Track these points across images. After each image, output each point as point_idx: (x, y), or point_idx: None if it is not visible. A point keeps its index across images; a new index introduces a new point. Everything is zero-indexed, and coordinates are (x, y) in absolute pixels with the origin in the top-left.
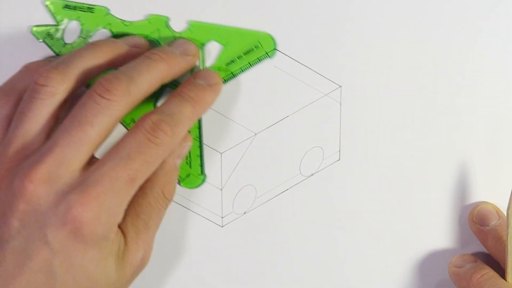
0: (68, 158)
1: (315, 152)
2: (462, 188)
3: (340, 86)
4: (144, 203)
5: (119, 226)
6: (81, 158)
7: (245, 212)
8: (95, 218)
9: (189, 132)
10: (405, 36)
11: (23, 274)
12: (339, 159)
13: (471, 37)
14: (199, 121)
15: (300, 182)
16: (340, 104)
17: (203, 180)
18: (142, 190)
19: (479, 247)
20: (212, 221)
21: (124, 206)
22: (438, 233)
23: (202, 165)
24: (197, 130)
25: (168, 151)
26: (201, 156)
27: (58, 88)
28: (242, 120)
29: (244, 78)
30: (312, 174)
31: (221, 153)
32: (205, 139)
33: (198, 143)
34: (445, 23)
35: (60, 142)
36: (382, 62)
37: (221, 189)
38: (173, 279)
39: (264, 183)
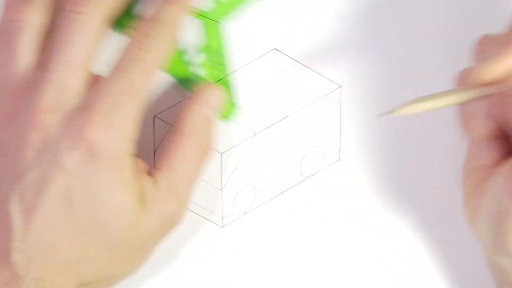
0: (65, 81)
1: (315, 152)
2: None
3: (340, 86)
4: (178, 157)
5: (153, 174)
6: (78, 77)
7: (245, 213)
8: (104, 135)
9: (218, 81)
10: (405, 36)
11: (42, 204)
12: (339, 159)
13: (471, 37)
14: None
15: (300, 182)
16: (340, 104)
17: (235, 110)
18: (175, 143)
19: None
20: (212, 222)
21: (132, 120)
22: (439, 233)
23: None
24: (220, 57)
25: (161, 55)
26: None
27: (33, 20)
28: (242, 120)
29: (244, 78)
30: (312, 175)
31: (221, 153)
32: None
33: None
34: (445, 23)
35: (51, 68)
36: (382, 62)
37: (221, 190)
38: (173, 279)
39: (264, 184)
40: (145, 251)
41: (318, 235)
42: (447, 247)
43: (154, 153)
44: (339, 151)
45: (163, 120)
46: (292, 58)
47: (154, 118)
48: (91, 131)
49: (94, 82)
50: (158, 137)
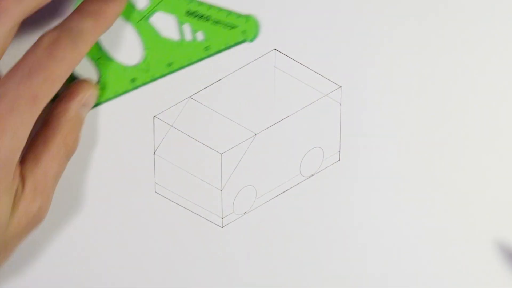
0: None
1: (315, 152)
2: (463, 188)
3: (340, 87)
4: (44, 150)
5: (21, 170)
6: None
7: (245, 213)
8: None
9: (92, 85)
10: (405, 36)
11: None
12: (339, 160)
13: (471, 37)
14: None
15: (300, 182)
16: (340, 105)
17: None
18: (43, 137)
19: (480, 249)
20: (212, 222)
21: (27, 128)
22: (439, 234)
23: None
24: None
25: (70, 67)
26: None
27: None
28: (242, 120)
29: (244, 78)
30: (312, 175)
31: (221, 154)
32: (205, 139)
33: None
34: (445, 23)
35: None
36: (382, 62)
37: (221, 190)
38: (173, 279)
39: (264, 184)
40: (8, 251)
41: (318, 235)
42: (447, 247)
43: (154, 153)
44: (339, 151)
45: (163, 120)
46: (292, 58)
47: (154, 118)
48: None
49: None
50: (158, 137)
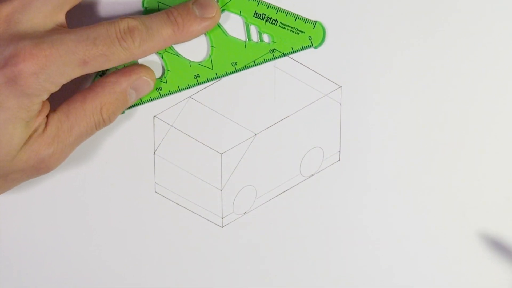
0: (35, 7)
1: (315, 152)
2: (463, 188)
3: (340, 86)
4: (79, 107)
5: (49, 115)
6: (47, 12)
7: (245, 213)
8: (34, 73)
9: (153, 73)
10: (405, 36)
11: None
12: (339, 160)
13: (471, 38)
14: None
15: (300, 182)
16: (340, 105)
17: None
18: (82, 97)
19: (486, 250)
20: (212, 222)
21: (64, 80)
22: (439, 234)
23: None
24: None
25: (130, 58)
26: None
27: None
28: (242, 120)
29: (244, 78)
30: (312, 175)
31: (221, 154)
32: (205, 139)
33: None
34: (445, 23)
35: None
36: (382, 62)
37: (221, 190)
38: (173, 279)
39: (264, 184)
40: (7, 183)
41: (318, 235)
42: (448, 247)
43: (154, 153)
44: (339, 151)
45: (163, 120)
46: (292, 58)
47: (154, 118)
48: (26, 61)
49: (62, 24)
50: (158, 137)
